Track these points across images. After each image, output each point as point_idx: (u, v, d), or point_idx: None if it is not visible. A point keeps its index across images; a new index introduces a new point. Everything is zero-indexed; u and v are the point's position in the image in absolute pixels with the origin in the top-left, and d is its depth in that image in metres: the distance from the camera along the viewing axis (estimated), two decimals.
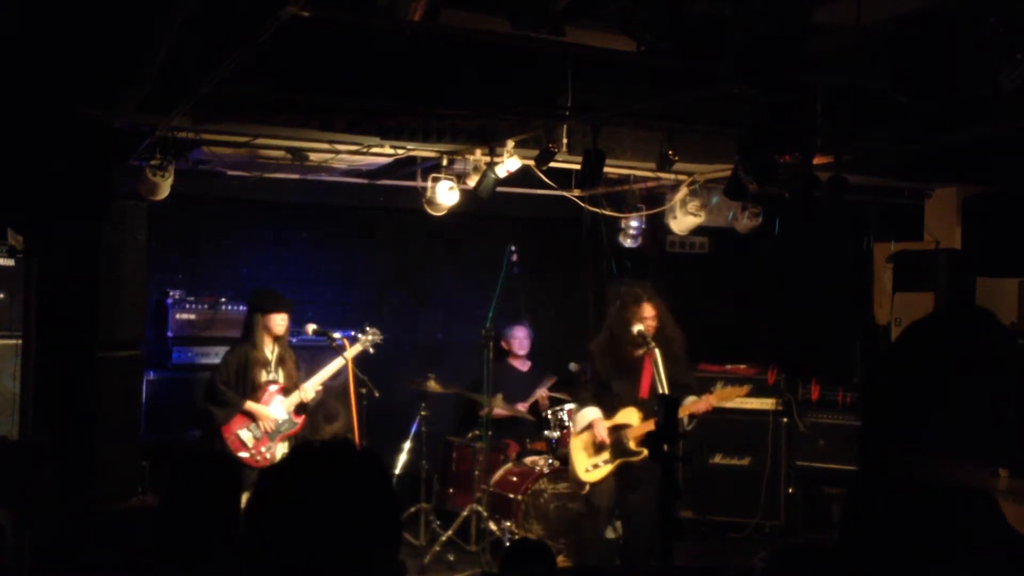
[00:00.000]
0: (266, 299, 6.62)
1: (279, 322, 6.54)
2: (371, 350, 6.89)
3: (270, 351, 6.57)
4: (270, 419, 6.46)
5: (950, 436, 1.50)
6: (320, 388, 6.76)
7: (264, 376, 6.52)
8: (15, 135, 5.45)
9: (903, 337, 1.61)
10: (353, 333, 6.98)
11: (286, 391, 6.58)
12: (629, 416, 6.05)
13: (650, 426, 5.86)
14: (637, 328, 5.96)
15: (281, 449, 6.55)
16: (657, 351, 5.80)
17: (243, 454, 6.29)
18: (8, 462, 5.55)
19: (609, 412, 6.08)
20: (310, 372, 7.29)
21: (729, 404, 6.80)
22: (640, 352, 6.05)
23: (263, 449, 6.42)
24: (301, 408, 6.63)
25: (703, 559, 7.19)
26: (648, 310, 6.04)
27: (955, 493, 1.48)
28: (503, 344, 8.05)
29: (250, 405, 6.41)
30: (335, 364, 6.76)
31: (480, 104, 5.52)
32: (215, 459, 4.16)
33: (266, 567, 1.58)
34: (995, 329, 1.55)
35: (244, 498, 4.64)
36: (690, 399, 5.96)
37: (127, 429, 6.08)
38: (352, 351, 6.77)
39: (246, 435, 6.40)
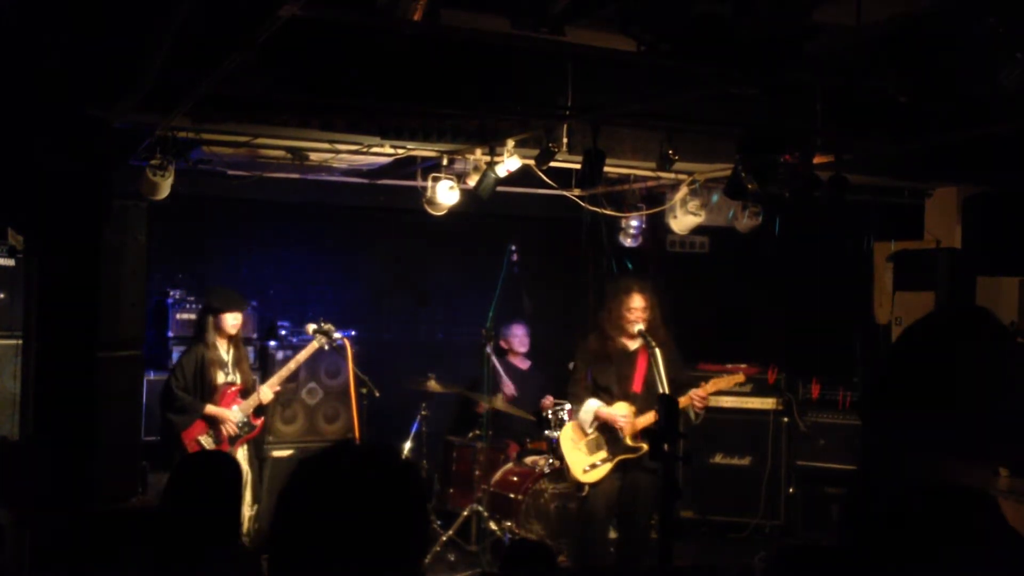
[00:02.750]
0: (218, 298, 6.39)
1: (231, 322, 6.33)
2: (326, 348, 6.68)
3: (225, 351, 6.38)
4: (231, 422, 6.26)
5: (950, 436, 1.50)
6: (278, 388, 6.57)
7: (222, 377, 6.32)
8: (15, 134, 5.45)
9: (903, 337, 1.61)
10: (353, 333, 6.97)
11: (244, 392, 6.39)
12: (622, 411, 5.96)
13: (646, 420, 5.85)
14: (638, 328, 5.95)
15: (241, 453, 6.35)
16: (658, 351, 5.79)
17: None
18: (8, 462, 5.55)
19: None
20: (311, 371, 7.29)
21: (729, 402, 6.76)
22: (633, 347, 6.02)
23: None
24: (259, 410, 6.44)
25: (703, 559, 7.19)
26: (638, 300, 5.98)
27: (955, 493, 1.48)
28: (502, 343, 8.06)
29: (211, 409, 6.20)
30: (290, 365, 6.59)
31: (480, 104, 5.51)
32: (215, 459, 4.16)
33: (294, 558, 1.60)
34: (993, 328, 1.55)
35: None
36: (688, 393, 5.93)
37: (127, 429, 6.07)
38: (307, 351, 6.57)
39: (206, 440, 6.19)
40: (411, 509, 1.65)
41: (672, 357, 5.97)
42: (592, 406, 6.00)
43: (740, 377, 6.36)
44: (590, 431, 6.02)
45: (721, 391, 6.26)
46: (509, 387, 7.72)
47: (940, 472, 1.50)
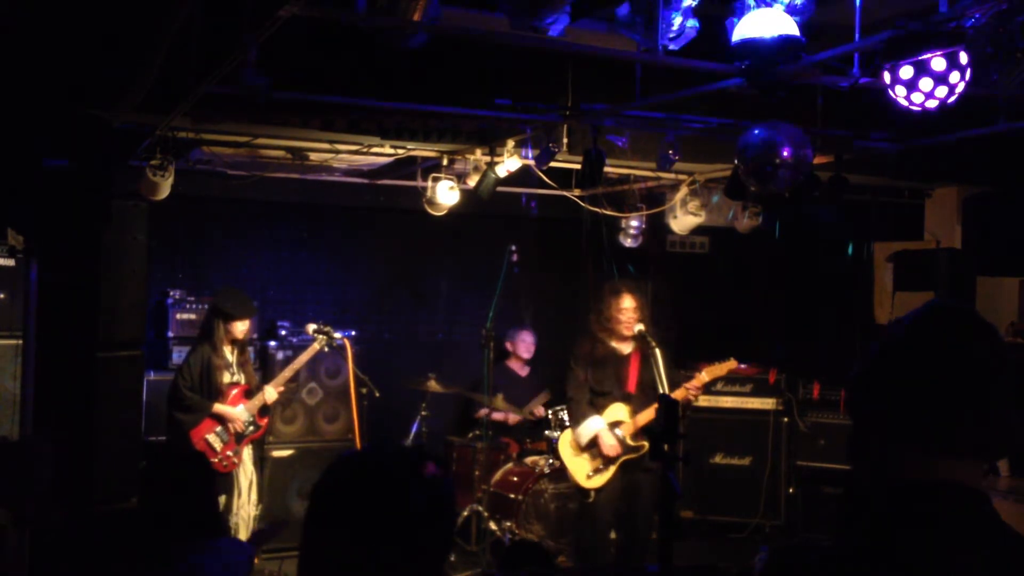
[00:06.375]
0: (230, 305, 6.33)
1: (242, 328, 6.33)
2: (326, 349, 6.66)
3: (229, 352, 6.37)
4: (238, 421, 6.25)
5: (941, 433, 1.50)
6: (282, 388, 6.56)
7: (228, 378, 6.32)
8: (15, 134, 5.45)
9: (888, 334, 1.62)
10: (353, 333, 6.96)
11: (249, 392, 6.39)
12: (618, 412, 5.97)
13: (644, 419, 5.85)
14: (638, 328, 5.95)
15: (246, 453, 6.37)
16: (658, 351, 5.78)
17: (212, 459, 6.00)
18: (8, 462, 5.55)
19: (599, 412, 5.99)
20: (311, 372, 7.29)
21: (729, 402, 6.71)
22: (627, 351, 6.02)
23: (230, 453, 6.22)
24: (264, 410, 6.44)
25: (703, 559, 7.19)
26: (628, 301, 5.98)
27: (948, 490, 1.48)
28: (507, 346, 8.05)
29: (218, 407, 6.20)
30: (293, 365, 6.58)
31: (480, 104, 5.51)
32: (183, 456, 4.17)
33: (324, 552, 1.63)
34: (979, 324, 1.56)
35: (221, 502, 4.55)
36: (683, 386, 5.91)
37: (127, 429, 6.07)
38: (308, 352, 6.56)
39: (214, 439, 6.18)
40: (442, 512, 1.69)
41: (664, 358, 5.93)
42: (593, 428, 5.92)
43: (732, 363, 6.25)
44: (584, 445, 5.97)
45: (717, 378, 6.23)
46: (515, 419, 7.65)
47: (932, 470, 1.50)
